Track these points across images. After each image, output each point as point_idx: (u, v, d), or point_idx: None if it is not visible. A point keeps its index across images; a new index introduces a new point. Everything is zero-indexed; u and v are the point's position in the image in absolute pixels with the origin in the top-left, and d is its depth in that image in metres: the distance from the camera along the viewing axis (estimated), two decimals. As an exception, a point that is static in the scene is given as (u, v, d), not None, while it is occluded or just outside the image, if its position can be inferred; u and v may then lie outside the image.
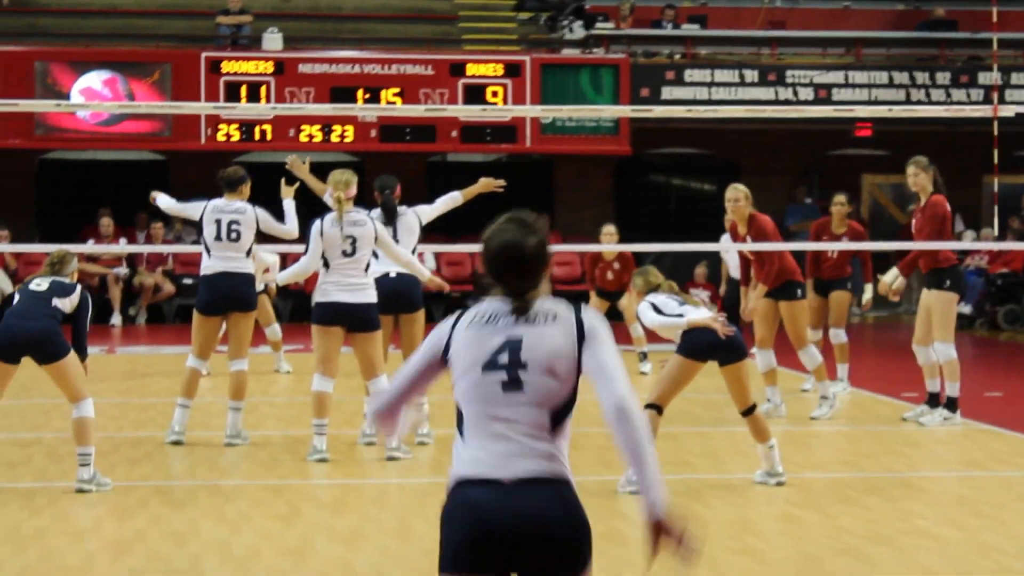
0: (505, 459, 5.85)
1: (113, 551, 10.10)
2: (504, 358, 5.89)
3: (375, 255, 13.75)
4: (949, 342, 15.81)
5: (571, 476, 5.99)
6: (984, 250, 28.54)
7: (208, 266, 14.37)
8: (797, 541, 10.44)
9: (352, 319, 13.44)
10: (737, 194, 16.68)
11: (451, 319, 6.06)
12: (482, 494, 5.91)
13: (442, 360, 6.05)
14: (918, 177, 16.49)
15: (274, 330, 20.57)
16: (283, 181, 15.20)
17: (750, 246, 16.67)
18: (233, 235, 14.22)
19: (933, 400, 16.15)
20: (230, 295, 14.31)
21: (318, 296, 13.59)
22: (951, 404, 15.85)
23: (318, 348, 13.63)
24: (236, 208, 14.36)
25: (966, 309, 28.62)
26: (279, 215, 14.81)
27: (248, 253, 14.41)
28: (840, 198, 19.04)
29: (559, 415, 5.92)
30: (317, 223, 13.50)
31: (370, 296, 13.48)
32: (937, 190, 16.40)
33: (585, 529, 5.95)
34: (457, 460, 6.03)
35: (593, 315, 6.05)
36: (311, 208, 14.54)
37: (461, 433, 5.98)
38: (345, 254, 13.38)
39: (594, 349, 5.94)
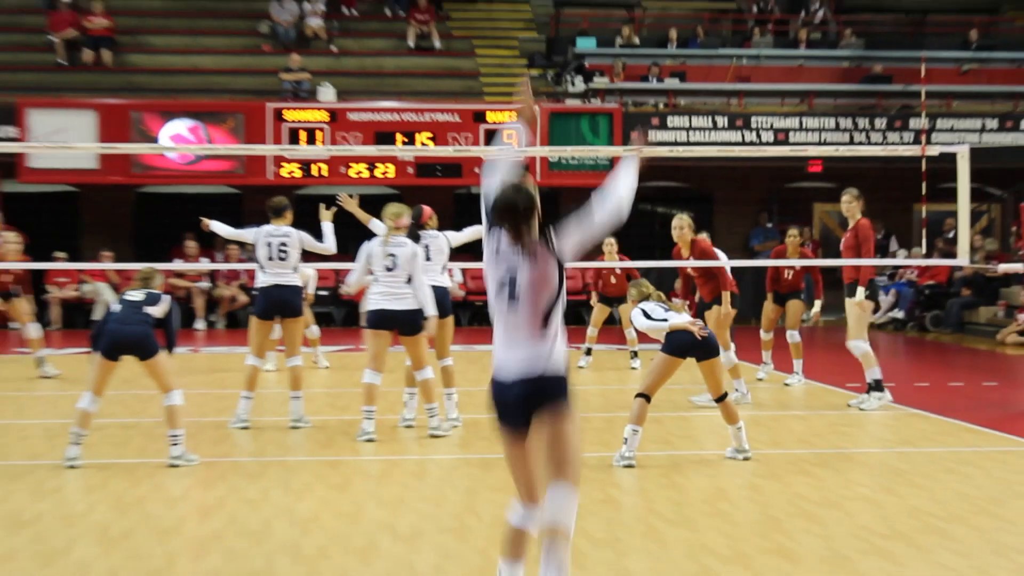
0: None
1: (199, 514, 10.13)
2: (507, 280, 7.03)
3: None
4: (862, 339, 16.04)
5: (563, 359, 7.07)
6: (914, 265, 28.52)
7: (262, 280, 14.69)
8: (761, 506, 10.45)
9: (398, 323, 13.57)
10: (681, 223, 16.92)
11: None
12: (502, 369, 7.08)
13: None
14: (850, 204, 16.74)
15: (312, 330, 20.77)
16: (322, 207, 15.32)
17: (733, 262, 16.71)
18: (282, 255, 14.52)
19: (874, 386, 16.27)
20: (282, 304, 14.57)
21: (368, 305, 13.74)
22: (877, 386, 16.03)
23: (369, 348, 13.82)
24: (283, 232, 14.68)
25: (899, 314, 28.63)
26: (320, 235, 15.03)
27: (295, 269, 14.58)
28: (793, 231, 19.12)
29: (548, 315, 7.02)
30: (366, 244, 13.64)
31: (412, 303, 13.55)
32: (863, 215, 16.59)
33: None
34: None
35: (557, 227, 7.18)
36: (360, 232, 14.69)
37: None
38: (388, 269, 13.55)
39: (565, 229, 7.16)
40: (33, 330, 20.01)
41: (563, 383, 7.00)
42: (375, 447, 13.27)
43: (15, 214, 28.11)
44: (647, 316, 12.60)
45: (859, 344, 16.30)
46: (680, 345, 12.41)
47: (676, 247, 17.15)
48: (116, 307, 12.23)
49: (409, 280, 13.60)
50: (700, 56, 31.85)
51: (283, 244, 14.56)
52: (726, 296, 16.56)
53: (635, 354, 20.90)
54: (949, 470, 12.05)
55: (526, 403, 6.98)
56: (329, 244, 15.01)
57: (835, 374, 19.29)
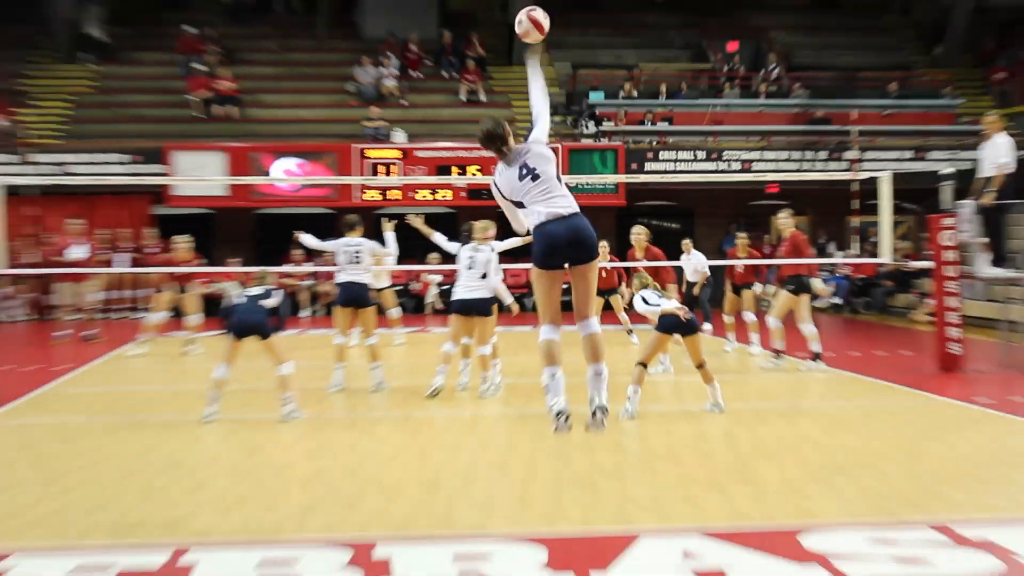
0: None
1: (306, 456, 10.18)
2: (526, 172, 7.72)
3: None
4: (807, 322, 16.11)
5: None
6: (848, 263, 28.44)
7: (341, 279, 14.82)
8: (732, 448, 10.46)
9: (473, 309, 13.79)
10: (639, 231, 17.50)
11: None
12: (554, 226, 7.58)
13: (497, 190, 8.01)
14: (785, 221, 16.85)
15: (393, 312, 20.89)
16: (384, 220, 15.67)
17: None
18: (356, 259, 14.57)
19: (815, 357, 16.26)
20: (356, 297, 14.68)
21: (454, 295, 14.21)
22: (817, 357, 16.02)
23: (452, 328, 14.13)
24: (357, 242, 14.86)
25: (838, 301, 28.52)
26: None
27: (366, 270, 14.79)
28: (742, 235, 19.42)
29: (559, 178, 7.75)
30: (462, 248, 14.37)
31: (483, 293, 14.01)
32: (796, 227, 16.76)
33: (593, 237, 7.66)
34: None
35: (530, 142, 7.82)
36: (424, 243, 14.88)
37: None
38: (468, 267, 13.88)
39: (531, 133, 7.85)
40: (193, 320, 20.15)
41: (595, 239, 7.66)
42: (438, 404, 13.31)
43: (165, 230, 28.24)
44: (645, 302, 12.69)
45: (806, 326, 16.31)
46: (669, 325, 12.50)
47: (632, 250, 17.78)
48: (241, 300, 12.36)
49: (483, 276, 13.85)
50: (684, 105, 31.74)
51: (357, 251, 14.75)
52: (673, 287, 17.22)
53: (631, 332, 20.92)
54: (875, 419, 12.03)
55: (568, 247, 7.53)
56: (391, 249, 15.42)
57: (789, 346, 19.27)
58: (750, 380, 15.50)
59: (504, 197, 7.95)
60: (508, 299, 14.83)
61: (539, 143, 7.78)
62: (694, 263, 20.46)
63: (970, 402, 13.09)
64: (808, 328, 16.25)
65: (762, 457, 9.98)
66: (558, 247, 7.56)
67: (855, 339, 21.78)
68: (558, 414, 7.55)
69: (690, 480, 9.03)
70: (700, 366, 12.57)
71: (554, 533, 7.51)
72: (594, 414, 7.58)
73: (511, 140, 7.92)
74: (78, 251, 20.61)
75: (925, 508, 8.12)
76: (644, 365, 12.38)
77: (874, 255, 24.91)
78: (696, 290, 20.43)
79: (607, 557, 6.89)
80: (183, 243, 20.74)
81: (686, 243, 21.12)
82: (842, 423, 11.81)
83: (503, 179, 7.91)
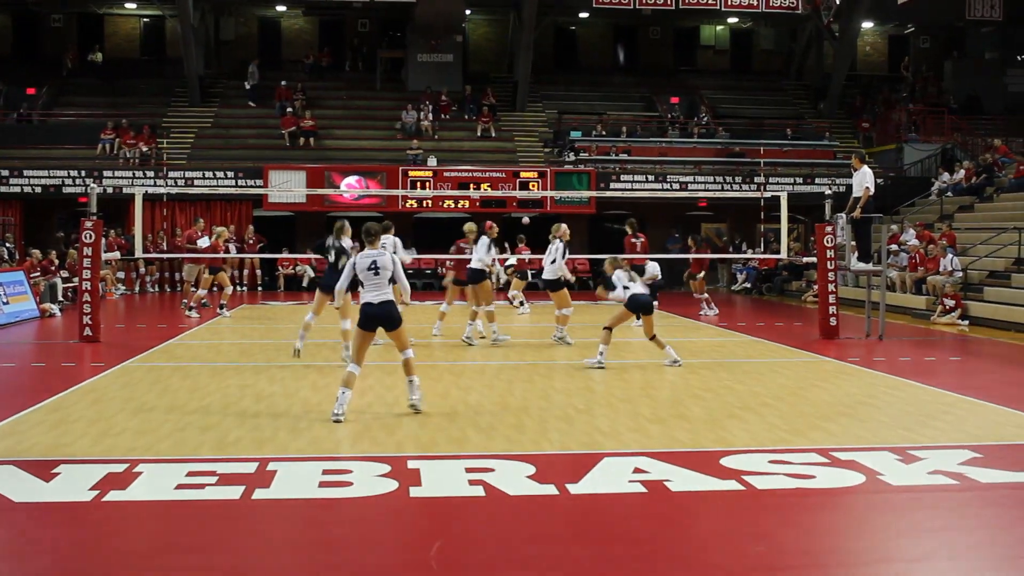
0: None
1: (358, 394, 9.98)
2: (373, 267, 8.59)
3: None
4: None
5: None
6: (755, 257, 28.29)
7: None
8: (671, 392, 10.36)
9: (471, 281, 14.23)
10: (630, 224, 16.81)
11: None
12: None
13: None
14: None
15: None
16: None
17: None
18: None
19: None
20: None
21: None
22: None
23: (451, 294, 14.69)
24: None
25: (748, 285, 28.37)
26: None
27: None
28: (690, 240, 19.58)
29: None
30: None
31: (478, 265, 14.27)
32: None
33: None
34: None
35: (387, 255, 8.76)
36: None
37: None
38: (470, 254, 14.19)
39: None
40: (229, 291, 19.49)
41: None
42: (457, 355, 13.18)
43: (261, 227, 28.14)
44: (622, 285, 12.24)
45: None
46: (634, 304, 12.20)
47: (627, 236, 17.61)
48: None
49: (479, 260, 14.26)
50: (639, 141, 31.56)
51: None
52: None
53: (522, 303, 20.31)
54: (775, 371, 11.92)
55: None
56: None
57: (718, 318, 19.20)
58: (687, 342, 15.41)
59: (354, 269, 8.78)
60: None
61: (389, 261, 8.70)
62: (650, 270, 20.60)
63: (844, 360, 12.98)
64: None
65: (692, 398, 9.87)
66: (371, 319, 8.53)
67: (760, 314, 21.70)
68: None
69: (640, 415, 8.93)
70: (652, 338, 12.39)
71: (540, 452, 7.43)
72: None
73: (378, 242, 8.94)
74: (204, 241, 20.44)
75: (810, 438, 8.04)
76: (610, 330, 12.19)
77: (775, 252, 24.76)
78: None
79: (580, 472, 6.82)
80: (225, 235, 20.37)
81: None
82: (751, 374, 11.69)
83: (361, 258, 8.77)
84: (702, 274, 20.24)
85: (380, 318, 8.67)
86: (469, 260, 14.61)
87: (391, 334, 8.87)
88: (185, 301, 19.99)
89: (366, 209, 28.89)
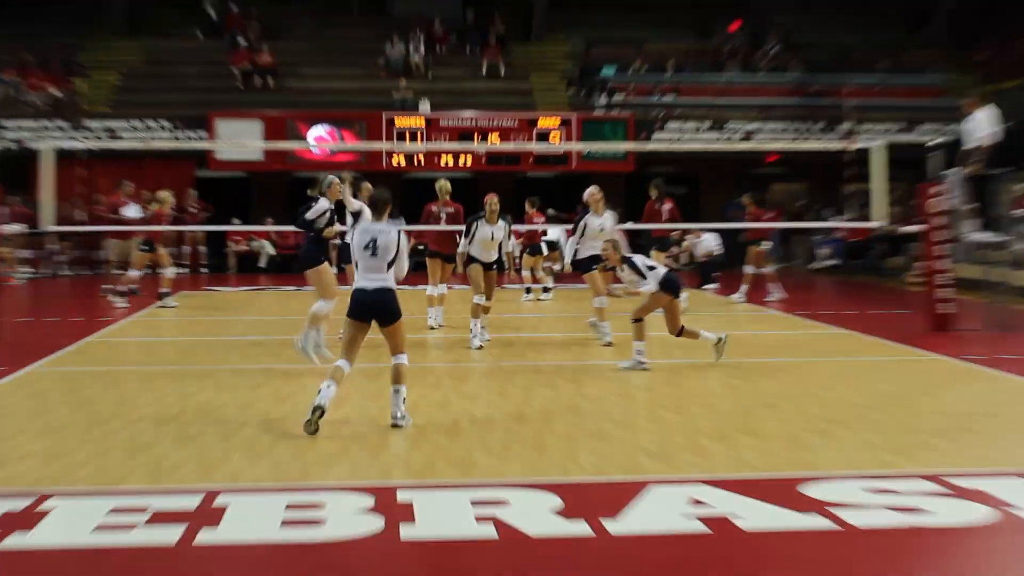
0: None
1: (334, 405, 9.91)
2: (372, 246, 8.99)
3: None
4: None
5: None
6: (843, 227, 28.21)
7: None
8: (736, 400, 10.30)
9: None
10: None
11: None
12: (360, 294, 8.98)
13: None
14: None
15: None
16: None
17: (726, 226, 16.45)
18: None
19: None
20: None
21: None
22: None
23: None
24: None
25: (833, 261, 28.38)
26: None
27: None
28: (746, 198, 19.64)
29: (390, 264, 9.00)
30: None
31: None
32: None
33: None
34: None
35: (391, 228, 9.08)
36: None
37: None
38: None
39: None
40: (169, 272, 19.60)
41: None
42: (458, 356, 13.12)
43: (206, 192, 28.17)
44: (642, 271, 12.14)
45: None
46: (670, 285, 12.07)
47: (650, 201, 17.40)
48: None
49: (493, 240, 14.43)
50: (690, 79, 31.55)
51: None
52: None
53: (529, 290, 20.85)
54: (871, 374, 11.85)
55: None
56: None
57: (793, 305, 19.12)
58: (753, 336, 15.29)
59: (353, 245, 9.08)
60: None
61: (392, 241, 9.01)
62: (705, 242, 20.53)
63: (960, 358, 12.86)
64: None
65: (764, 409, 9.77)
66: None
67: (850, 299, 21.56)
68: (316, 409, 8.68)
69: (696, 431, 8.82)
70: (680, 332, 12.26)
71: (568, 480, 7.32)
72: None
73: (386, 215, 9.20)
74: (131, 211, 20.42)
75: (920, 460, 7.92)
76: (640, 320, 12.05)
77: (867, 220, 24.69)
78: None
79: (618, 504, 6.71)
80: (169, 197, 20.24)
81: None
82: (840, 377, 11.59)
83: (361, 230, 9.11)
84: (764, 245, 20.16)
85: (375, 308, 8.92)
86: (449, 233, 14.84)
87: (386, 330, 9.02)
88: (109, 286, 19.96)
89: (340, 168, 28.90)
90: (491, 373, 11.96)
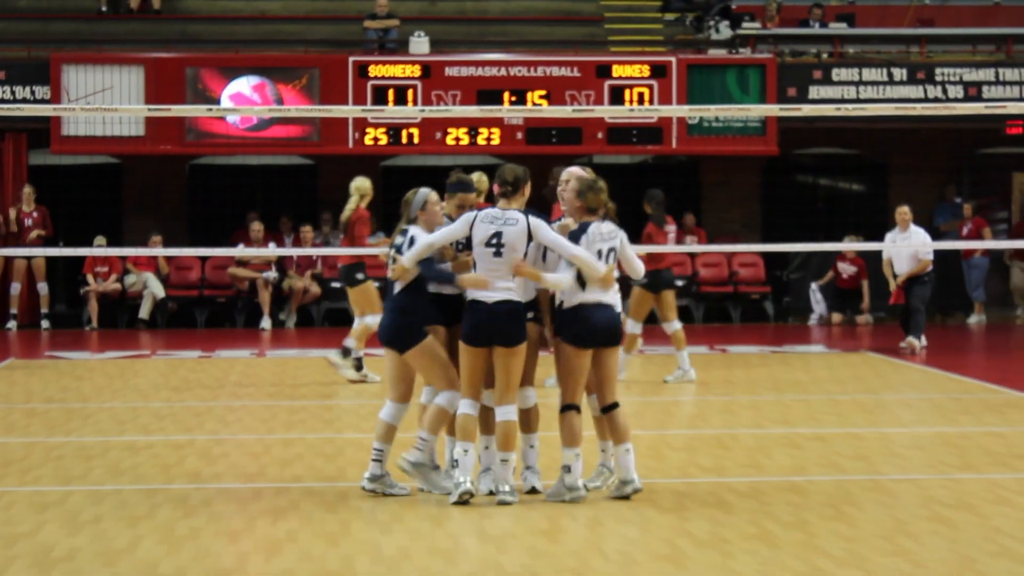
0: None
1: (266, 551, 10.17)
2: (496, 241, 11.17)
3: None
4: None
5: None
6: None
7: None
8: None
9: None
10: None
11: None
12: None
13: None
14: None
15: None
16: None
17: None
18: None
19: None
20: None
21: None
22: None
23: None
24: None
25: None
26: None
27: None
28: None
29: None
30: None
31: None
32: None
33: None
34: None
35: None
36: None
37: None
38: None
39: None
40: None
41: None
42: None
43: (46, 190, 28.36)
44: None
45: None
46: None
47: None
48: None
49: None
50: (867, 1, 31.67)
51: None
52: None
53: None
54: None
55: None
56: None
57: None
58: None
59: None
60: None
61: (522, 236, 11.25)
62: (913, 243, 20.60)
63: None
64: None
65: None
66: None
67: None
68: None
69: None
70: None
71: None
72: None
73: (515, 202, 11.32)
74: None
75: None
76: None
77: None
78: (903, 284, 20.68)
79: None
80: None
81: (902, 211, 21.21)
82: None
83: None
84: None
85: (496, 330, 11.43)
86: None
87: (505, 354, 11.42)
88: None
89: (278, 150, 29.11)
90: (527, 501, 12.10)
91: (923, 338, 22.85)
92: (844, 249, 27.00)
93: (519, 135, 27.99)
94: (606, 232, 11.73)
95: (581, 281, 11.54)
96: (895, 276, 21.93)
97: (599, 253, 11.60)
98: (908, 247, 21.37)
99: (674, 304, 19.41)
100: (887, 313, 25.24)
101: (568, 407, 11.67)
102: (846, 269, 28.20)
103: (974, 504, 11.59)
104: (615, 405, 11.70)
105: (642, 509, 11.48)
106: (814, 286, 28.96)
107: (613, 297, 11.75)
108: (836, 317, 28.63)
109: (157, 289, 28.39)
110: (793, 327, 29.27)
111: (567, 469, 11.59)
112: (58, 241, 27.70)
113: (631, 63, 28.34)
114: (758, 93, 28.19)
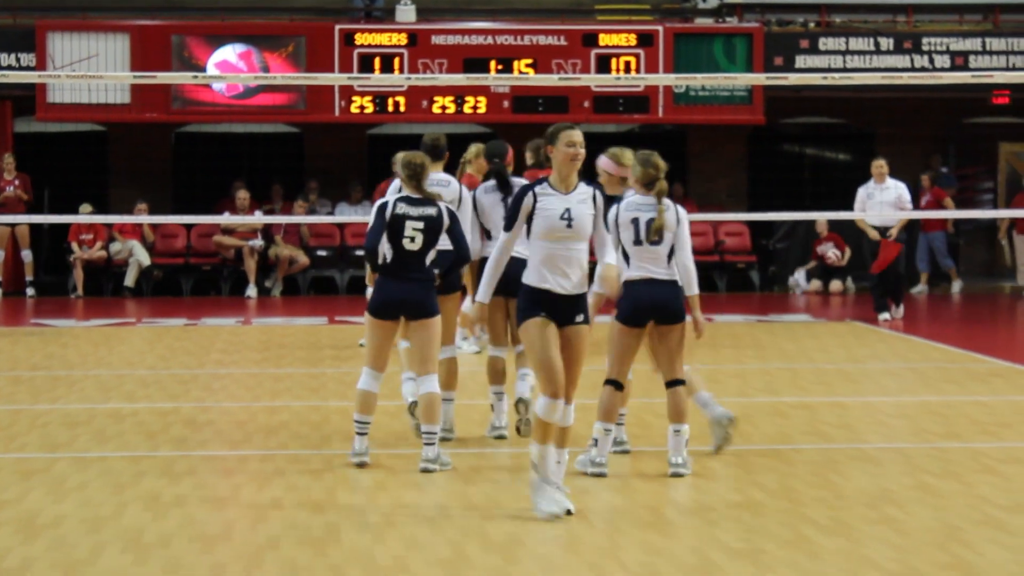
0: None
1: (251, 518, 10.18)
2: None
3: None
4: None
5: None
6: None
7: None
8: (936, 510, 10.33)
9: None
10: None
11: None
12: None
13: None
14: None
15: None
16: None
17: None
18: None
19: None
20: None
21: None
22: None
23: None
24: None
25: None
26: None
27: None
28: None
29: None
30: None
31: None
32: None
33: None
34: None
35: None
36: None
37: None
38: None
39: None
40: None
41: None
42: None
43: (31, 158, 28.34)
44: None
45: None
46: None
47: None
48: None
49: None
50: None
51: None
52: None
53: None
54: None
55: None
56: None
57: None
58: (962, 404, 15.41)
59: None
60: None
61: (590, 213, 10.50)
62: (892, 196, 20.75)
63: None
64: None
65: (984, 527, 9.84)
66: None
67: None
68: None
69: (867, 562, 8.91)
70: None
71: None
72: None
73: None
74: None
75: None
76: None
77: None
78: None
79: None
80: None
81: (878, 164, 21.30)
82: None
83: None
84: None
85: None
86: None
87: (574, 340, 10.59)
88: None
89: (263, 118, 29.06)
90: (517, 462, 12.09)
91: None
92: (831, 218, 26.97)
93: (505, 103, 27.96)
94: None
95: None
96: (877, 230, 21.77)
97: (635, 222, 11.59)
98: (887, 199, 21.27)
99: None
100: (868, 282, 25.13)
101: (608, 381, 11.64)
102: (830, 250, 28.32)
103: (959, 472, 11.61)
104: (678, 382, 11.63)
105: (625, 477, 11.58)
106: (798, 273, 29.01)
107: (667, 270, 11.55)
108: (815, 284, 28.70)
109: (143, 257, 28.36)
110: (779, 296, 29.29)
111: (594, 442, 11.66)
112: (42, 208, 27.67)
113: (618, 32, 28.32)
114: (745, 62, 28.17)
